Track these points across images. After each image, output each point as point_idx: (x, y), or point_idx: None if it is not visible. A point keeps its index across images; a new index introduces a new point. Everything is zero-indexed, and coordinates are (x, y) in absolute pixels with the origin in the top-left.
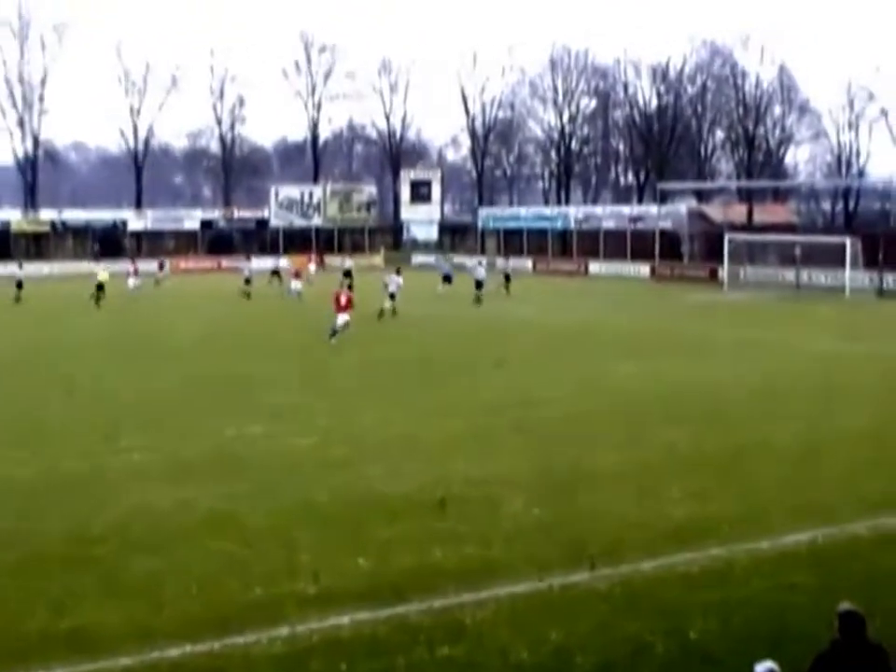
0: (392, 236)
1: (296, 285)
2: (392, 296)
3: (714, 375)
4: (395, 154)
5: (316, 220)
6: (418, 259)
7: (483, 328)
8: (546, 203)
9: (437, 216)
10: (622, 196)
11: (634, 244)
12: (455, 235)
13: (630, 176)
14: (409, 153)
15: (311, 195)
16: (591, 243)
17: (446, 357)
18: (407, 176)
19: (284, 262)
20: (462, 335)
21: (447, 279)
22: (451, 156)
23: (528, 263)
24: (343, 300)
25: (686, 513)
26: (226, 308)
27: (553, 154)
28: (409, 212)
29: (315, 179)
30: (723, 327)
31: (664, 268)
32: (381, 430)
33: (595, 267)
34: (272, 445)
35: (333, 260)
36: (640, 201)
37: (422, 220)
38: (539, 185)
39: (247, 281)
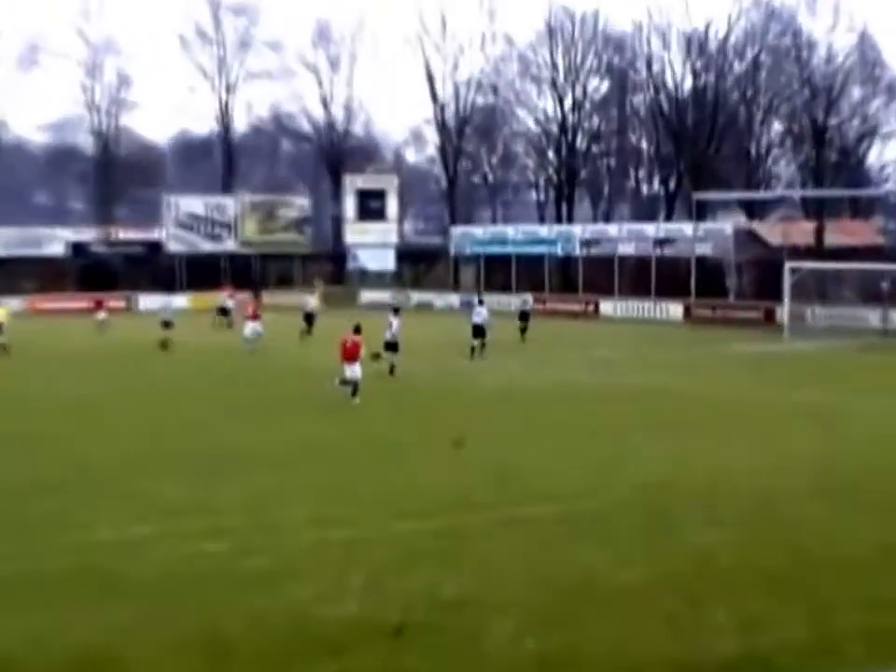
0: (333, 265)
1: (254, 328)
2: (390, 346)
3: (765, 458)
4: (336, 154)
5: (229, 244)
6: (368, 296)
7: (458, 392)
8: (542, 220)
9: (393, 237)
10: (644, 211)
11: (661, 275)
12: (419, 264)
13: (656, 184)
14: (355, 153)
15: (221, 210)
16: (602, 274)
17: (406, 431)
18: (353, 185)
19: (227, 299)
20: (431, 402)
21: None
22: (412, 157)
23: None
24: (351, 346)
25: (736, 646)
26: (123, 365)
27: (552, 154)
28: (355, 233)
29: (227, 188)
30: (781, 389)
31: (702, 308)
32: (314, 532)
33: (607, 307)
34: (164, 554)
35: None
36: (669, 217)
37: (373, 244)
38: (531, 196)
39: (166, 324)
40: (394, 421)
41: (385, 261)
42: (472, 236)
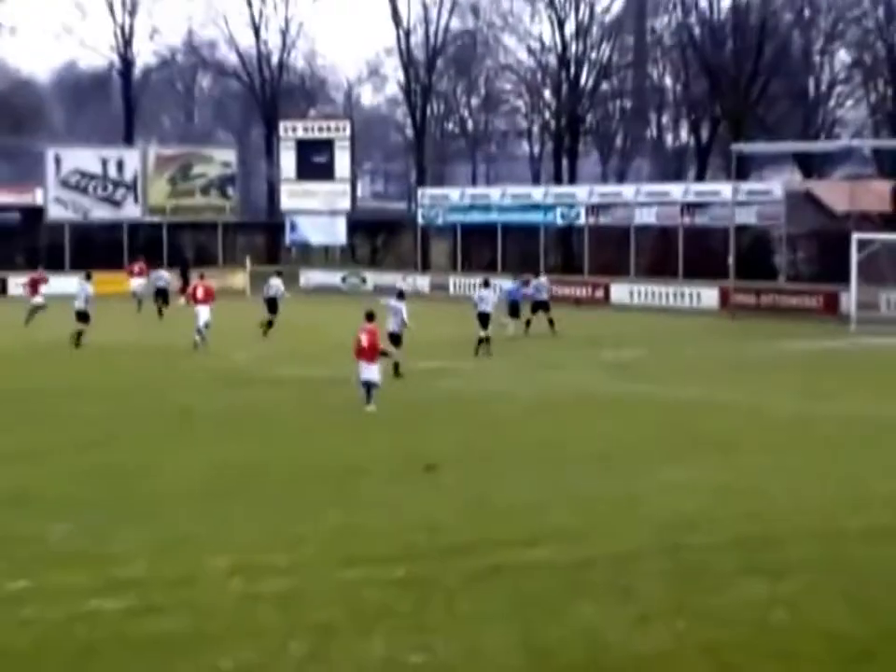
0: (266, 238)
1: (203, 315)
2: (393, 337)
3: (828, 489)
4: (269, 95)
5: (131, 210)
6: (312, 278)
7: (432, 402)
8: (536, 179)
9: (344, 203)
10: (669, 168)
11: (691, 251)
12: (377, 237)
13: (683, 133)
14: (295, 93)
15: (121, 166)
16: (614, 249)
17: (366, 452)
18: (292, 134)
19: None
20: (399, 414)
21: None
22: (369, 98)
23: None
24: (366, 340)
25: None
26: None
27: (548, 94)
28: (295, 196)
29: (129, 139)
30: (846, 399)
31: (743, 293)
32: (242, 583)
33: (620, 292)
34: (43, 615)
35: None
36: (701, 176)
37: (318, 211)
38: (523, 148)
39: (81, 316)
40: (352, 439)
41: (333, 233)
42: (446, 201)
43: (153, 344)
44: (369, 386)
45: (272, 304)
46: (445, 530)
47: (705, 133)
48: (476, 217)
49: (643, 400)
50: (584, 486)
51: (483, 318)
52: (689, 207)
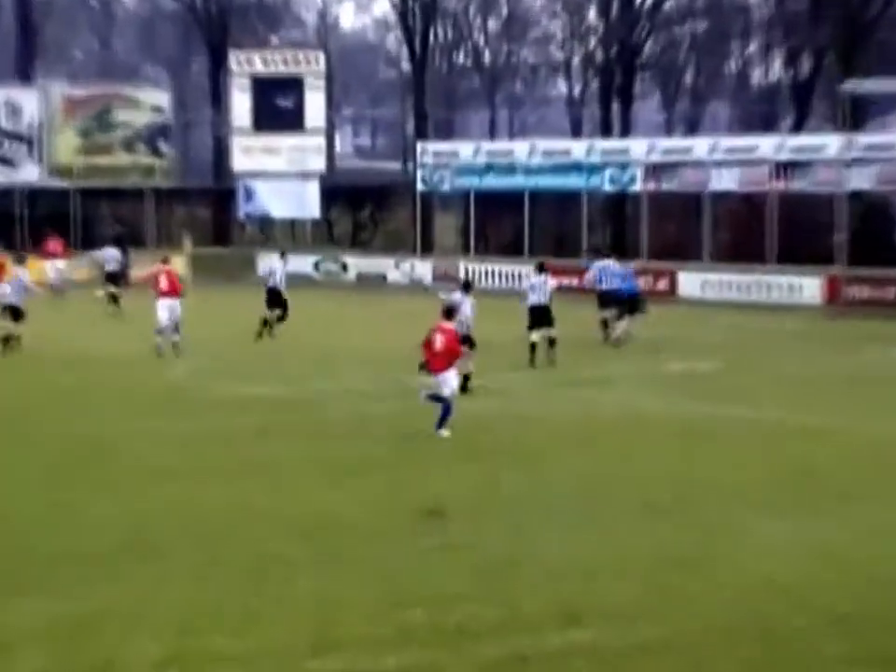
0: (212, 210)
1: (173, 311)
2: (463, 340)
3: None
4: (216, 15)
5: (28, 171)
6: (267, 264)
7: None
8: (576, 130)
9: (318, 162)
10: (755, 114)
11: (786, 226)
12: (361, 209)
13: (776, 68)
14: (250, 13)
15: (15, 112)
16: (682, 225)
17: (353, 495)
18: (246, 68)
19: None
20: (400, 442)
21: None
22: (350, 21)
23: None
24: (441, 343)
25: None
26: None
27: (593, 16)
28: (251, 154)
29: (25, 74)
30: None
31: (857, 283)
32: None
33: (690, 282)
34: None
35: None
36: (800, 125)
37: (282, 174)
38: (559, 88)
39: (15, 312)
40: (330, 480)
41: (302, 204)
42: (455, 160)
43: (81, 351)
44: (445, 402)
45: (274, 297)
46: (453, 604)
47: (805, 67)
48: (495, 182)
49: (722, 427)
50: (641, 544)
51: (538, 313)
52: (783, 168)
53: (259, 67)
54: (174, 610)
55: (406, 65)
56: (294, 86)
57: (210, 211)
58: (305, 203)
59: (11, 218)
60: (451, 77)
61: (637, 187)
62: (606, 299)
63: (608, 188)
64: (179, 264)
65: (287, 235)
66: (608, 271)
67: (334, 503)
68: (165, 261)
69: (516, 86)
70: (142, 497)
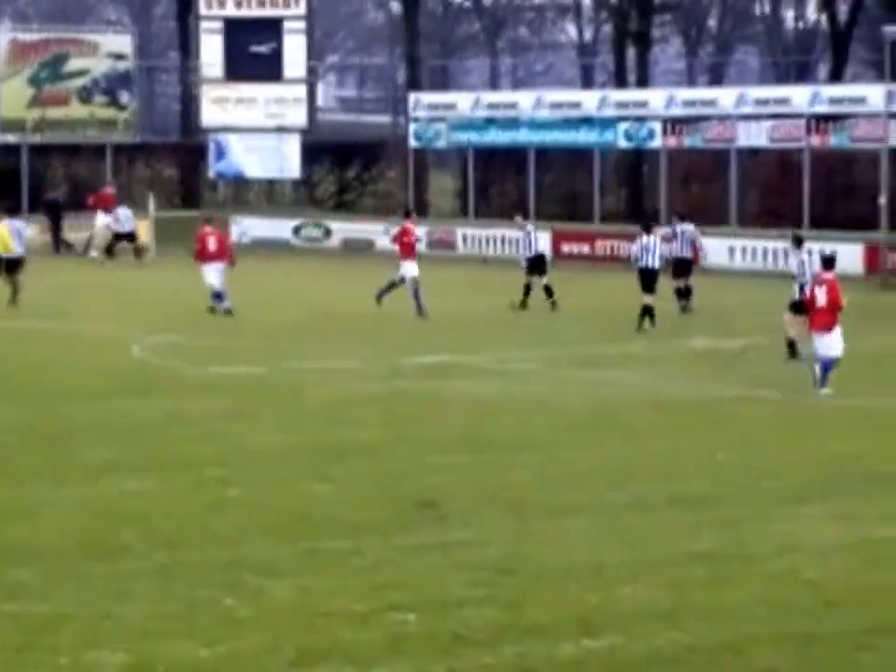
0: (179, 169)
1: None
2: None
3: None
4: None
5: None
6: (251, 228)
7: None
8: (587, 80)
9: (298, 116)
10: (788, 62)
11: (822, 187)
12: (346, 168)
13: (810, 9)
14: None
15: None
16: (707, 185)
17: (333, 496)
18: (216, 9)
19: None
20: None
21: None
22: None
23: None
24: (824, 299)
25: None
26: None
27: None
28: (223, 105)
29: None
30: None
31: None
32: None
33: (716, 248)
34: None
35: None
36: (838, 73)
37: (258, 128)
38: (568, 33)
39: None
40: (308, 470)
41: (280, 163)
42: (452, 113)
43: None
44: (827, 365)
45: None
46: (449, 609)
47: (843, 9)
48: (497, 138)
49: (755, 411)
50: (664, 543)
51: (648, 278)
52: (819, 121)
53: (231, 8)
54: (138, 614)
55: (397, 6)
56: (271, 29)
57: (177, 170)
58: (284, 161)
59: None
60: (447, 19)
61: (656, 143)
62: (679, 267)
63: (623, 144)
64: (142, 228)
65: (262, 198)
66: (683, 233)
67: (312, 496)
68: (209, 221)
69: (520, 30)
70: (102, 490)
